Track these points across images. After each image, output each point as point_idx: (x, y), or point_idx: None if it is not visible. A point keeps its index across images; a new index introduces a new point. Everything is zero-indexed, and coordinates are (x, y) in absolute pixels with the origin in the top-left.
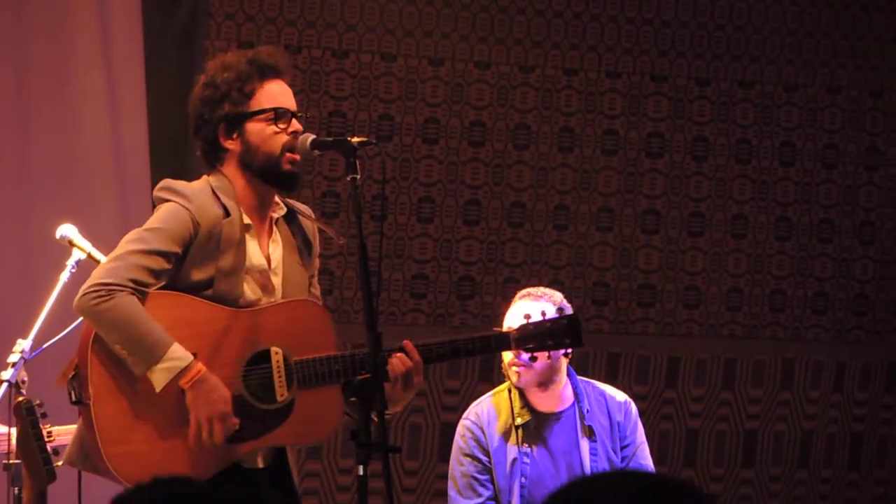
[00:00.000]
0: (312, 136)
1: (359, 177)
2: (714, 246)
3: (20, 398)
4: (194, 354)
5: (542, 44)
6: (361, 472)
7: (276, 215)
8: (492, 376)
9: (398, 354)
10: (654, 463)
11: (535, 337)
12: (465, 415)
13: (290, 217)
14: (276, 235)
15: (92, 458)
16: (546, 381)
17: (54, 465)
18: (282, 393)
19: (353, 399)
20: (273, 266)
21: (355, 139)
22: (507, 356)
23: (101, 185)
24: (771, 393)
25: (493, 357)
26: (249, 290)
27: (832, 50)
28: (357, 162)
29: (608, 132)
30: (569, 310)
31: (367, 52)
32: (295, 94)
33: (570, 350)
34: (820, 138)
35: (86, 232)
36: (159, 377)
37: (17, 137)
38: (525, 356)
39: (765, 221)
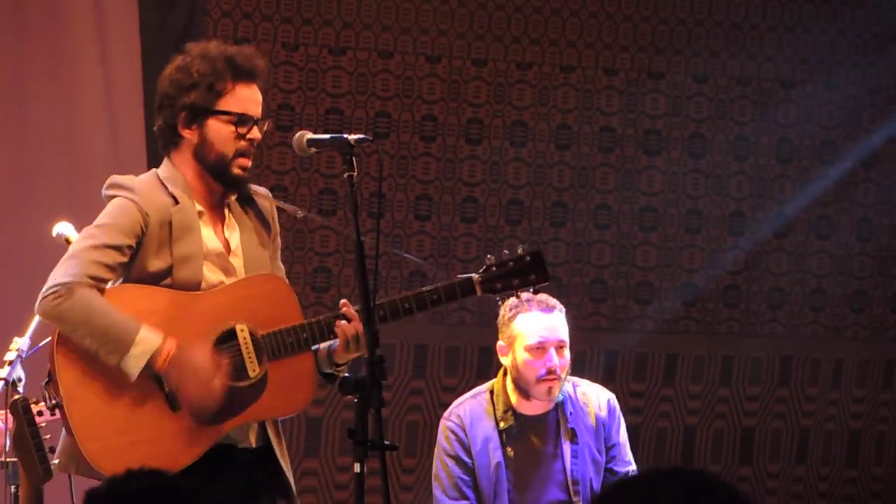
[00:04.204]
0: (309, 134)
1: (356, 174)
2: (711, 243)
3: (17, 396)
4: None
5: (540, 41)
6: (358, 470)
7: (228, 200)
8: (489, 373)
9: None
10: (653, 461)
11: (501, 278)
12: (446, 414)
13: (245, 200)
14: (231, 220)
15: (77, 460)
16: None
17: (50, 462)
18: (253, 369)
19: (350, 396)
20: (233, 248)
21: (352, 136)
22: (532, 373)
23: (98, 184)
24: (769, 390)
25: (492, 354)
26: (211, 274)
27: (829, 46)
28: (354, 159)
29: (605, 129)
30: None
31: (364, 49)
32: (291, 92)
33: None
34: (817, 135)
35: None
36: (133, 364)
37: (15, 137)
38: (557, 370)
39: (762, 218)
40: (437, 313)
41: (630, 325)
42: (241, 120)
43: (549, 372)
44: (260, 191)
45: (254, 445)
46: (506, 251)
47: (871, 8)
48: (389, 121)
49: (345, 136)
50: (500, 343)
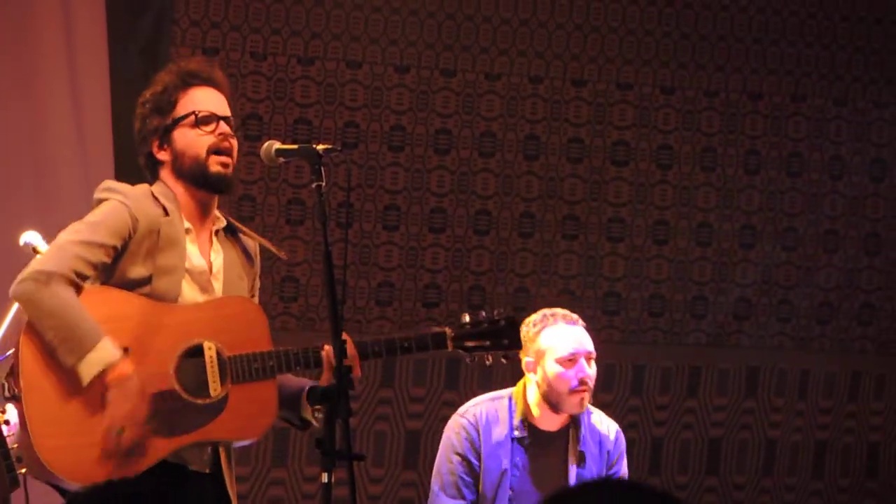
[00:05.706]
0: (277, 144)
1: (324, 184)
2: (679, 254)
3: None
4: (126, 349)
5: (508, 52)
6: (326, 480)
7: (216, 227)
8: (457, 385)
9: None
10: None
11: (473, 337)
12: (461, 411)
13: (232, 232)
14: (217, 245)
15: (29, 458)
16: None
17: (18, 472)
18: (215, 388)
19: (317, 407)
20: (214, 271)
21: (320, 146)
22: (564, 385)
23: (66, 193)
24: (735, 401)
25: (459, 365)
26: (189, 291)
27: (796, 59)
28: (322, 169)
29: (573, 140)
30: (577, 321)
31: (332, 59)
32: (260, 102)
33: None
34: (784, 146)
35: (50, 239)
36: (87, 369)
37: None
38: (589, 377)
39: (729, 229)
40: (405, 322)
41: (597, 336)
42: (199, 117)
43: (581, 382)
44: (246, 230)
45: (207, 471)
46: (483, 312)
47: (837, 20)
48: (358, 131)
49: (313, 145)
50: (526, 359)
